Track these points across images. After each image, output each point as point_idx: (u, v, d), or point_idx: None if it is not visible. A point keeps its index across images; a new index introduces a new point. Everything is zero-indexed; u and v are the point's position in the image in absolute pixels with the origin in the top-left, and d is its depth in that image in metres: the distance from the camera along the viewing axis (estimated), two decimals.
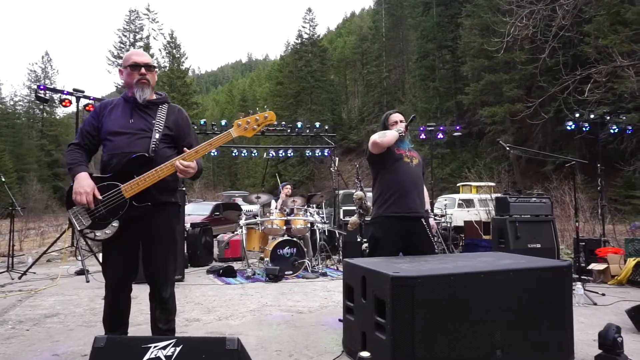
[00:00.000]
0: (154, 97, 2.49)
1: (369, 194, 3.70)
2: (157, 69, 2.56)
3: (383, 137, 3.11)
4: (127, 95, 2.46)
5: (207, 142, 2.37)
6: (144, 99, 2.41)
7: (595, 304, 4.18)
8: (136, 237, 2.39)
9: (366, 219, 4.66)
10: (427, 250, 3.19)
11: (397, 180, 3.20)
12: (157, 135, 2.37)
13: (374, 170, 3.34)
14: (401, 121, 3.38)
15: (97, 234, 2.29)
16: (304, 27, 50.96)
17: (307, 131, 11.17)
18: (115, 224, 2.29)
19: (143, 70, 2.40)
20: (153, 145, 2.35)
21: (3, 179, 7.86)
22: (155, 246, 2.42)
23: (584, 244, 5.93)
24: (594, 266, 5.58)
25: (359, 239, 7.14)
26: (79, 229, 2.30)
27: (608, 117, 8.30)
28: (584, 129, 8.36)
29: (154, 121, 2.41)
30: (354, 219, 5.66)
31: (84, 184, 2.24)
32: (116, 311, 2.44)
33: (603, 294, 4.54)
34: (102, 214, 2.28)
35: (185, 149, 2.36)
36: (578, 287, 4.17)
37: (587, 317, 3.74)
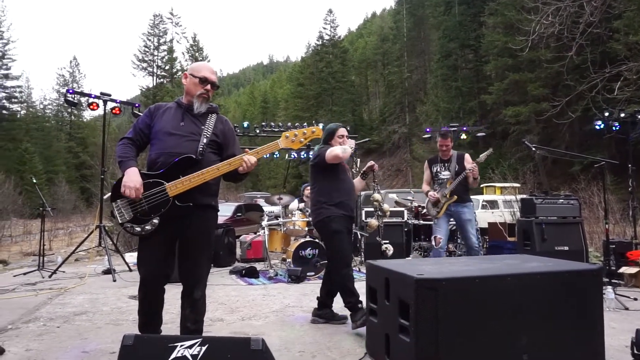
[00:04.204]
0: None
1: (392, 196, 3.73)
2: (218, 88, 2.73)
3: (344, 153, 3.42)
4: (181, 101, 2.60)
5: (255, 150, 2.51)
6: (199, 111, 2.55)
7: (627, 308, 4.05)
8: (174, 236, 2.45)
9: (384, 220, 4.65)
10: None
11: (343, 187, 3.61)
12: (204, 140, 2.48)
13: (320, 174, 3.61)
14: (347, 136, 3.68)
15: (136, 229, 2.37)
16: (324, 28, 51.16)
17: None
18: (156, 220, 2.36)
19: (209, 87, 2.56)
20: (201, 149, 2.45)
21: (34, 181, 8.16)
22: (192, 247, 2.48)
23: (614, 246, 5.73)
24: (625, 270, 5.40)
25: (378, 240, 7.10)
26: (120, 221, 2.39)
27: (639, 116, 8.02)
28: (613, 128, 8.06)
29: (203, 127, 2.52)
30: (372, 221, 5.64)
31: (134, 179, 2.34)
32: (149, 308, 2.50)
33: (635, 299, 4.38)
34: (144, 209, 2.36)
35: (247, 149, 2.49)
36: (609, 291, 4.05)
37: (619, 322, 3.62)
